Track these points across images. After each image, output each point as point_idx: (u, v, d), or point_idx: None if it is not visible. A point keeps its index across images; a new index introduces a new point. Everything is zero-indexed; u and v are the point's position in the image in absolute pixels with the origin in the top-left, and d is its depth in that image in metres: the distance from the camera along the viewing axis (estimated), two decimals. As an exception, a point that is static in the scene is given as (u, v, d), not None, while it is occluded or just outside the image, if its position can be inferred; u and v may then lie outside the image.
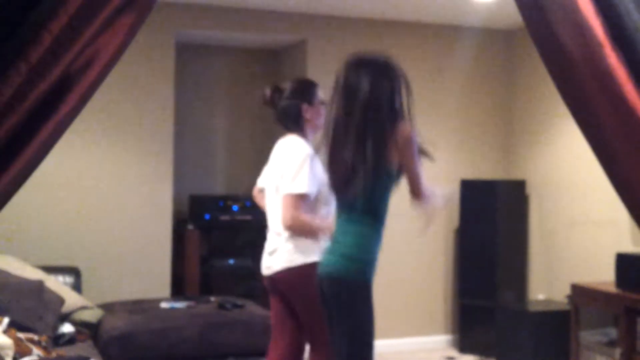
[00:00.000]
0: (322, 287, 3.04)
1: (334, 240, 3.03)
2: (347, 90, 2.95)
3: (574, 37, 1.60)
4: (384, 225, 3.03)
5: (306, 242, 3.44)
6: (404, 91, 3.05)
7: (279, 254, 3.50)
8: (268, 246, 3.60)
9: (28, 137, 1.37)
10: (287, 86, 3.63)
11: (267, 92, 3.64)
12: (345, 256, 2.96)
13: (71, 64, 1.36)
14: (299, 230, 3.38)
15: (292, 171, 3.40)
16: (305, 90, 3.60)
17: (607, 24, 1.59)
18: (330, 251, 3.03)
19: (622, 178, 1.65)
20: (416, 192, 3.02)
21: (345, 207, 3.00)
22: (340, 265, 2.96)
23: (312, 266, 3.43)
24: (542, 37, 1.69)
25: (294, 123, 3.57)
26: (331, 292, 3.01)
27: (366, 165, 2.86)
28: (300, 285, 3.47)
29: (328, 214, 3.45)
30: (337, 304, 3.02)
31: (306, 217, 3.37)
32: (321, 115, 3.59)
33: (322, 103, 3.61)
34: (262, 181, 3.75)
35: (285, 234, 3.47)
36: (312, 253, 3.43)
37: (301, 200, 3.35)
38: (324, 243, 3.38)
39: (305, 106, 3.55)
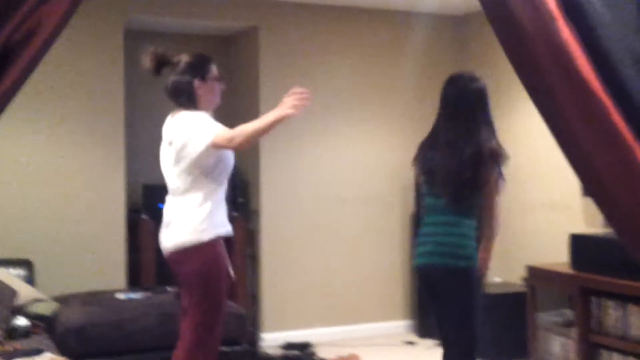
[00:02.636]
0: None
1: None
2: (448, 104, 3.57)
3: (528, 11, 1.60)
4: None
5: (201, 219, 3.36)
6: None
7: (172, 229, 3.42)
8: (165, 217, 3.52)
9: (-32, 113, 1.32)
10: (180, 60, 3.50)
11: (148, 62, 3.49)
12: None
13: (12, 34, 1.31)
14: (245, 140, 3.28)
15: (199, 128, 3.32)
16: (199, 65, 3.48)
17: (560, -2, 1.59)
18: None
19: (575, 149, 1.66)
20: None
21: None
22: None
23: (208, 245, 3.37)
24: (496, 12, 1.69)
25: (186, 99, 3.47)
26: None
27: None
28: (192, 266, 3.38)
29: (226, 180, 3.48)
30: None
31: (241, 127, 3.30)
32: (215, 91, 3.52)
33: (217, 79, 3.53)
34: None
35: (183, 210, 3.39)
36: (206, 232, 3.37)
37: (222, 133, 3.30)
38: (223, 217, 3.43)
39: (197, 82, 3.45)
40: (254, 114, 6.08)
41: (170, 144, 3.48)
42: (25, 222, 5.31)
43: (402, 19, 6.37)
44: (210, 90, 3.50)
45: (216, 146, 3.31)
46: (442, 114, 3.62)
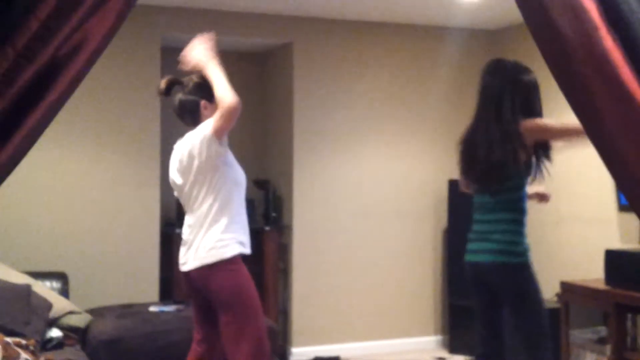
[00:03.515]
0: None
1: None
2: (484, 94, 3.47)
3: (570, 21, 1.58)
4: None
5: (222, 237, 3.37)
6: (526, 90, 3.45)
7: (195, 249, 3.43)
8: (184, 236, 3.53)
9: (15, 124, 1.33)
10: (189, 81, 3.53)
11: (162, 84, 3.55)
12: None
13: (59, 49, 1.33)
14: (229, 103, 3.26)
15: (198, 135, 3.35)
16: (208, 87, 3.46)
17: (603, 7, 1.57)
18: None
19: (619, 160, 1.63)
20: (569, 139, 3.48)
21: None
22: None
23: (229, 262, 3.37)
24: (537, 23, 1.67)
25: (192, 119, 3.50)
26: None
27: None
28: (218, 283, 3.38)
29: (241, 195, 3.47)
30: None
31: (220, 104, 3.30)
32: None
33: None
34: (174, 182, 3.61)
35: (201, 228, 3.40)
36: (228, 248, 3.37)
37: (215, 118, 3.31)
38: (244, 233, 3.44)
39: (204, 103, 3.47)
40: (287, 130, 6.13)
41: (180, 163, 3.50)
42: (61, 236, 5.37)
43: (435, 33, 6.37)
44: (215, 111, 3.50)
45: (218, 131, 3.31)
46: (481, 108, 3.50)
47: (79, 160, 5.48)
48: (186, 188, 3.48)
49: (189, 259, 3.46)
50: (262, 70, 6.69)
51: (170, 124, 6.09)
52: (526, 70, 3.47)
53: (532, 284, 3.43)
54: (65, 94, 1.39)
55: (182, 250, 3.54)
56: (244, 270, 3.43)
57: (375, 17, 6.09)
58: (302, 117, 6.07)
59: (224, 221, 3.40)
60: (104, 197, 5.52)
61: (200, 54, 3.42)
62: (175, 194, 3.62)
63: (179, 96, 3.53)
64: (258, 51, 6.64)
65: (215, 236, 3.38)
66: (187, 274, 3.50)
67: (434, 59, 6.39)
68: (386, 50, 6.30)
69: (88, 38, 1.35)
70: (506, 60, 3.59)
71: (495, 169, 3.37)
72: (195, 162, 3.39)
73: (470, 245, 3.56)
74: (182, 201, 3.57)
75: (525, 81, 3.43)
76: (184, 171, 3.47)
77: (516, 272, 3.40)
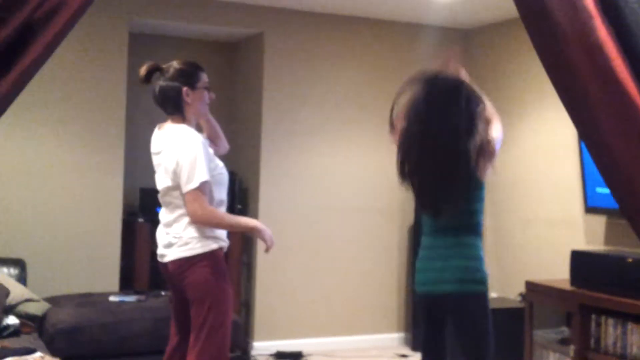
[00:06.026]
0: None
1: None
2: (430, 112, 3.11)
3: (564, 8, 1.55)
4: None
5: (202, 230, 3.30)
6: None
7: (175, 247, 3.35)
8: (161, 241, 3.44)
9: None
10: (170, 67, 3.42)
11: (142, 70, 3.41)
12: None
13: (35, 10, 1.25)
14: (207, 220, 3.26)
15: (189, 165, 3.24)
16: (189, 73, 3.39)
17: (598, -4, 1.55)
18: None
19: (607, 153, 1.60)
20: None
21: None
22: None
23: (206, 257, 3.31)
24: (530, 8, 1.64)
25: (174, 107, 3.37)
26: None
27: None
28: (198, 276, 3.30)
29: (222, 192, 3.42)
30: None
31: (214, 209, 3.30)
32: (204, 100, 3.43)
33: (206, 88, 3.44)
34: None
35: (178, 228, 3.33)
36: (206, 242, 3.31)
37: (202, 190, 3.24)
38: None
39: (186, 89, 3.36)
40: (256, 122, 6.06)
41: (159, 160, 3.40)
42: (20, 222, 5.23)
43: (409, 31, 6.33)
44: (198, 98, 3.40)
45: (189, 197, 3.27)
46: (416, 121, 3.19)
47: (41, 145, 5.34)
48: (166, 185, 3.38)
49: (168, 252, 3.38)
50: (231, 61, 6.60)
51: (135, 111, 6.00)
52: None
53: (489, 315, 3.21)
54: (41, 59, 1.31)
55: (161, 249, 3.44)
56: (221, 268, 3.35)
57: (349, 11, 6.04)
58: (271, 109, 5.99)
59: None
60: (66, 184, 5.39)
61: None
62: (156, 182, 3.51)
63: (159, 83, 3.40)
64: (228, 40, 6.55)
65: (193, 230, 3.30)
66: (166, 266, 3.42)
67: (407, 56, 6.35)
68: (358, 46, 6.25)
69: (65, 2, 1.28)
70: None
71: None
72: (176, 181, 3.30)
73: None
74: (160, 191, 3.45)
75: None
76: (165, 174, 3.37)
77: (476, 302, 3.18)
